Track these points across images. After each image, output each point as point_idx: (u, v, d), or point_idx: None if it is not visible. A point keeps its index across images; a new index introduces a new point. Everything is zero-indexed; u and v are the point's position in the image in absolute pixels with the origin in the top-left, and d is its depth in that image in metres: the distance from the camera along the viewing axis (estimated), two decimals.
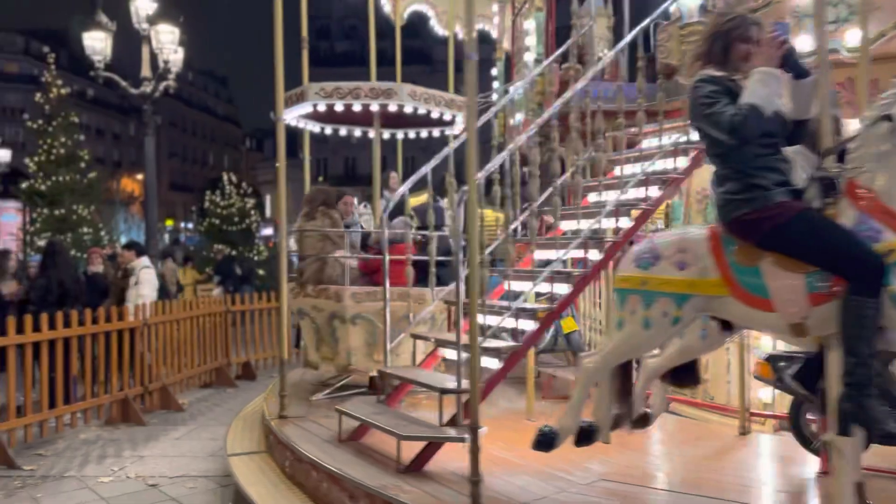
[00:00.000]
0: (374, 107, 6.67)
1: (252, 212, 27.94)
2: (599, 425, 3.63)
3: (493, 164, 4.73)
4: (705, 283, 3.20)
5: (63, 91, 21.15)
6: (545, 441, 3.56)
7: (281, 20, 5.70)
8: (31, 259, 10.81)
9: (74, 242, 18.16)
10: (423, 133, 8.26)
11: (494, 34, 9.27)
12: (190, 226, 45.29)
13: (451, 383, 4.33)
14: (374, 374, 5.85)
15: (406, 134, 8.36)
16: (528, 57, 7.61)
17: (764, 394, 5.37)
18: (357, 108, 6.79)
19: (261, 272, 20.58)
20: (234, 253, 21.44)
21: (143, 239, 13.82)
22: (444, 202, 6.39)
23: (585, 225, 4.76)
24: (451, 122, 7.49)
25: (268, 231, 38.47)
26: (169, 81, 11.42)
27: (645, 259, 3.34)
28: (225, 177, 26.67)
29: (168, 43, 11.25)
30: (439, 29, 9.11)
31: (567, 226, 5.12)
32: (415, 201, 9.31)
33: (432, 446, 4.21)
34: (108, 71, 11.27)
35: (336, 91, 6.66)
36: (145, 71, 11.26)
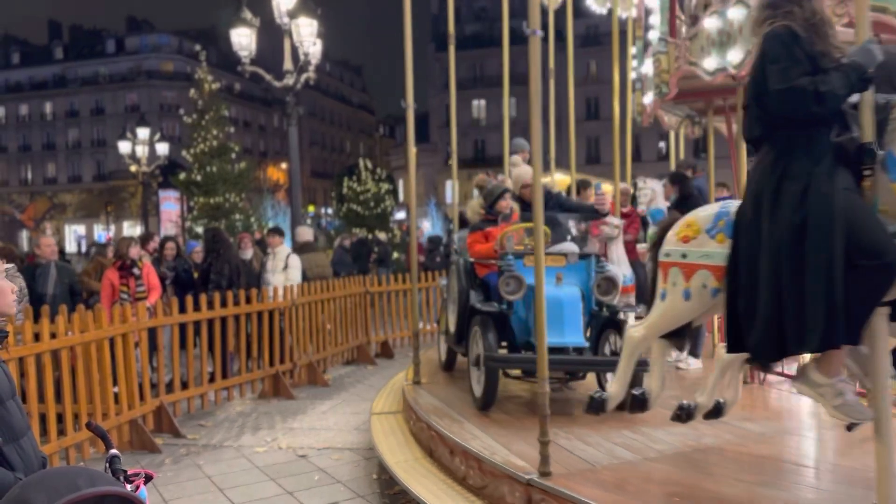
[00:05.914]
0: None
1: (386, 196, 28.71)
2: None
3: None
4: None
5: (214, 86, 22.59)
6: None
7: (409, 10, 5.82)
8: (189, 245, 11.54)
9: (227, 228, 19.46)
10: None
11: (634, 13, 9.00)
12: (329, 211, 47.14)
13: None
14: None
15: None
16: (653, 35, 7.36)
17: None
18: None
19: (395, 255, 21.14)
20: (370, 237, 22.16)
21: (288, 224, 14.49)
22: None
23: None
24: None
25: (401, 215, 39.37)
26: (309, 73, 11.79)
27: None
28: (361, 163, 27.52)
29: (307, 36, 11.57)
30: (595, 7, 9.00)
31: None
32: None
33: None
34: (253, 65, 11.73)
35: None
36: (287, 64, 11.68)
